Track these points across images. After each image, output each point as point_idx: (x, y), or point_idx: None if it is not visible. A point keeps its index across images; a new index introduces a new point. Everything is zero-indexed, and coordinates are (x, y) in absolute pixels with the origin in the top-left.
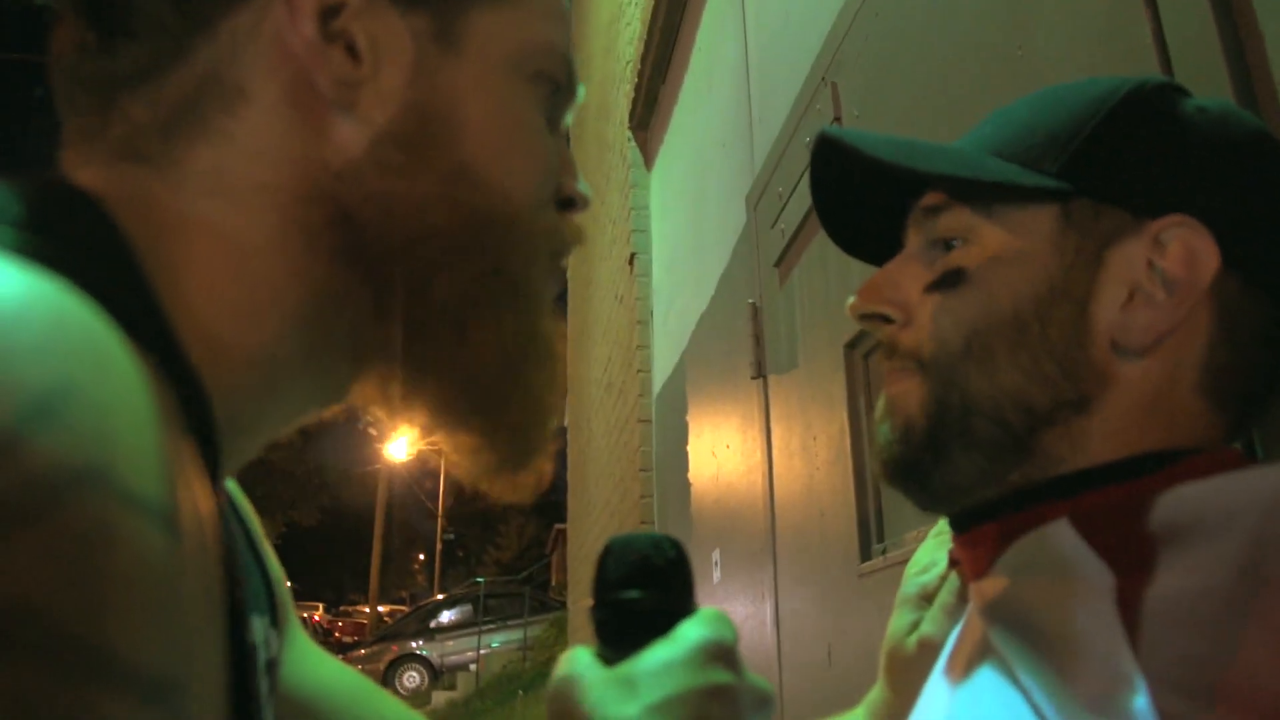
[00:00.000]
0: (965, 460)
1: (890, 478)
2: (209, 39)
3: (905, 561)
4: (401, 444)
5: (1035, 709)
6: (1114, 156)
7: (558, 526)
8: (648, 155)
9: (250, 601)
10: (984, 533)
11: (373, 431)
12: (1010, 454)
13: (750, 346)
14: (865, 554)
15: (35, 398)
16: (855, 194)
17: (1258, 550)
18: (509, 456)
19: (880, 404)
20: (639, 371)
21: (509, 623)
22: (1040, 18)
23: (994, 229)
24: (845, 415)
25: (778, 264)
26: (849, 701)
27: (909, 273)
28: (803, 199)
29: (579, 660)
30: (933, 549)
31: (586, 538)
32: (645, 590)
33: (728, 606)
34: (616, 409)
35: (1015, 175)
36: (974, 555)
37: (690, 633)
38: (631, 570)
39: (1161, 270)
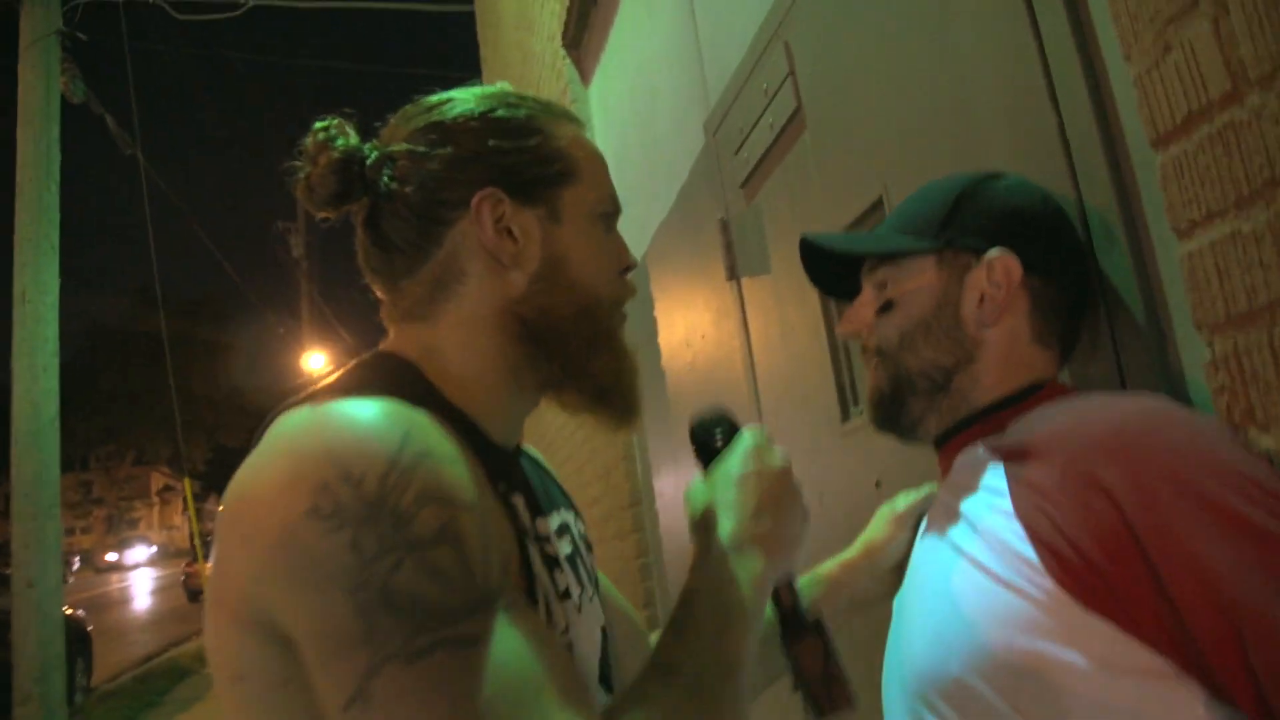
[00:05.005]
0: (915, 403)
1: (878, 425)
2: (439, 246)
3: None
4: (319, 358)
5: (970, 525)
6: (960, 224)
7: None
8: (583, 72)
9: (546, 505)
10: (947, 450)
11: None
12: (939, 393)
13: (722, 254)
14: (845, 415)
15: (400, 439)
16: (832, 266)
17: (1065, 467)
18: (625, 417)
19: (866, 389)
20: None
21: None
22: (959, 15)
23: (903, 275)
24: (819, 309)
25: (744, 185)
26: (841, 536)
27: (864, 303)
28: (764, 132)
29: (694, 484)
30: (885, 519)
31: (541, 421)
32: (721, 433)
33: None
34: None
35: (908, 243)
36: (944, 464)
37: (745, 439)
38: (711, 425)
39: (993, 280)
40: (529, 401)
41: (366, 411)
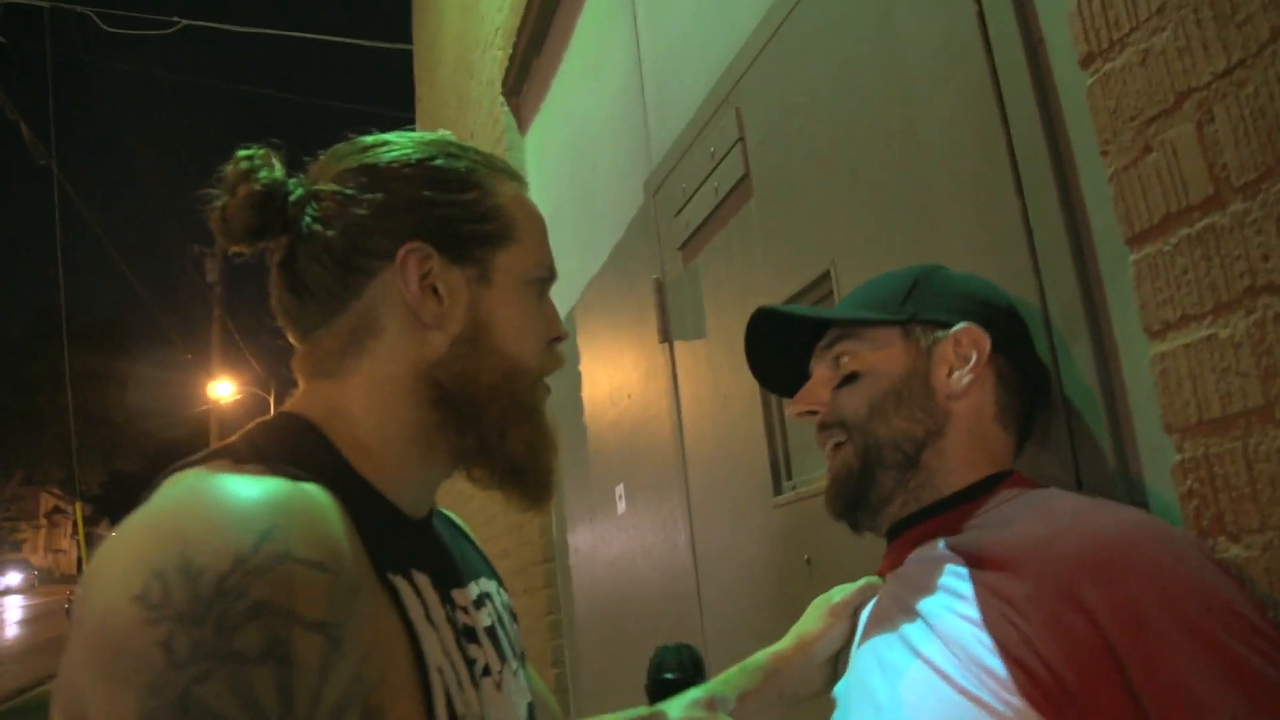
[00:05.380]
0: (885, 478)
1: (840, 508)
2: (358, 297)
3: (813, 495)
4: (226, 386)
5: (928, 626)
6: (922, 300)
7: None
8: (521, 121)
9: (464, 575)
10: (903, 540)
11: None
12: (908, 469)
13: (656, 315)
14: (778, 489)
15: (259, 535)
16: (774, 350)
17: (1040, 580)
18: (537, 497)
19: (828, 473)
20: None
21: None
22: (925, 102)
23: (867, 346)
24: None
25: (682, 247)
26: (769, 612)
27: (820, 382)
28: (708, 196)
29: (633, 710)
30: (820, 610)
31: None
32: (675, 673)
33: (636, 533)
34: None
35: (876, 314)
36: (894, 555)
37: (695, 692)
38: (668, 662)
39: (961, 352)
40: (441, 471)
41: (241, 493)
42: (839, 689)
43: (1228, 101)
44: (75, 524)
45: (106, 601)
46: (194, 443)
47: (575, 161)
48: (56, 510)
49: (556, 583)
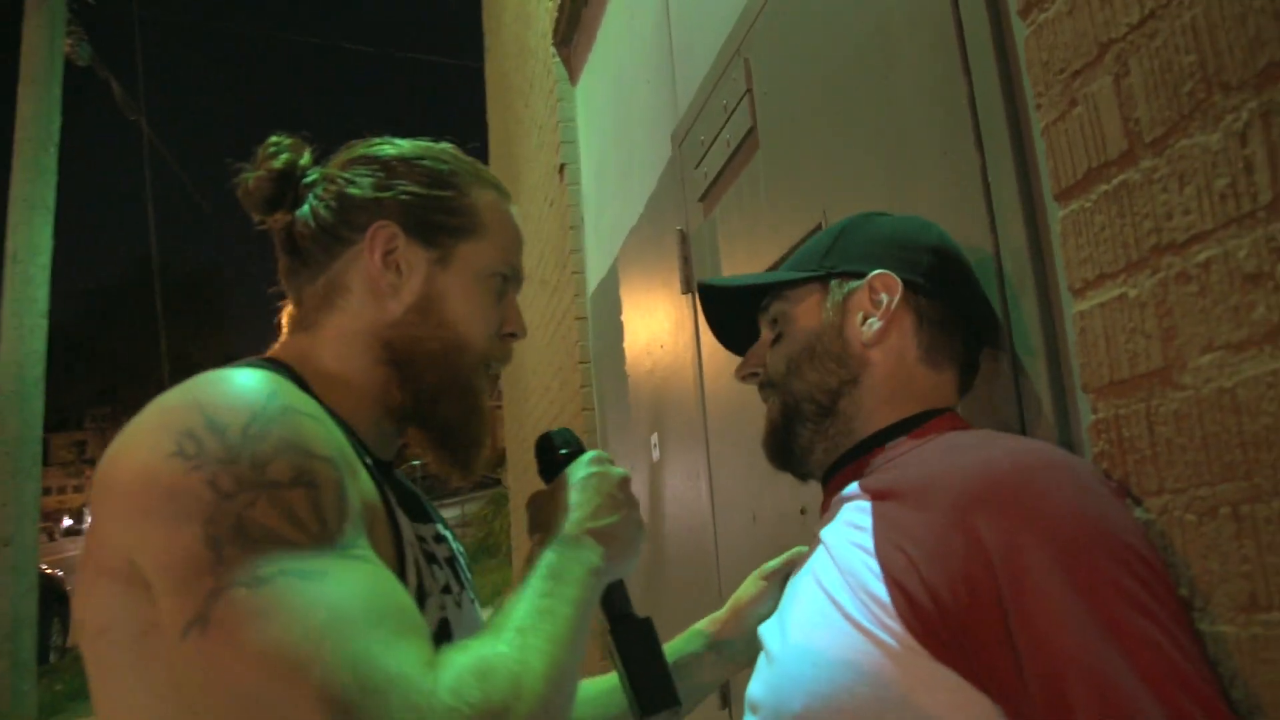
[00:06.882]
0: (803, 430)
1: (774, 460)
2: (335, 261)
3: None
4: None
5: (832, 558)
6: (842, 252)
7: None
8: (571, 71)
9: (427, 513)
10: (830, 487)
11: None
12: (825, 418)
13: (679, 265)
14: None
15: (266, 394)
16: (729, 313)
17: (936, 506)
18: (462, 465)
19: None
20: (574, 273)
21: (445, 500)
22: (901, 52)
23: (790, 306)
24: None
25: (702, 199)
26: (768, 556)
27: (762, 344)
28: (721, 148)
29: (537, 491)
30: (754, 578)
31: (526, 420)
32: (567, 451)
33: (668, 482)
34: (551, 304)
35: (790, 275)
36: (826, 500)
37: (589, 453)
38: (556, 440)
39: (874, 298)
40: (395, 426)
41: (237, 373)
42: (763, 628)
43: (1141, 54)
44: None
45: (142, 463)
46: None
47: (616, 112)
48: None
49: None
